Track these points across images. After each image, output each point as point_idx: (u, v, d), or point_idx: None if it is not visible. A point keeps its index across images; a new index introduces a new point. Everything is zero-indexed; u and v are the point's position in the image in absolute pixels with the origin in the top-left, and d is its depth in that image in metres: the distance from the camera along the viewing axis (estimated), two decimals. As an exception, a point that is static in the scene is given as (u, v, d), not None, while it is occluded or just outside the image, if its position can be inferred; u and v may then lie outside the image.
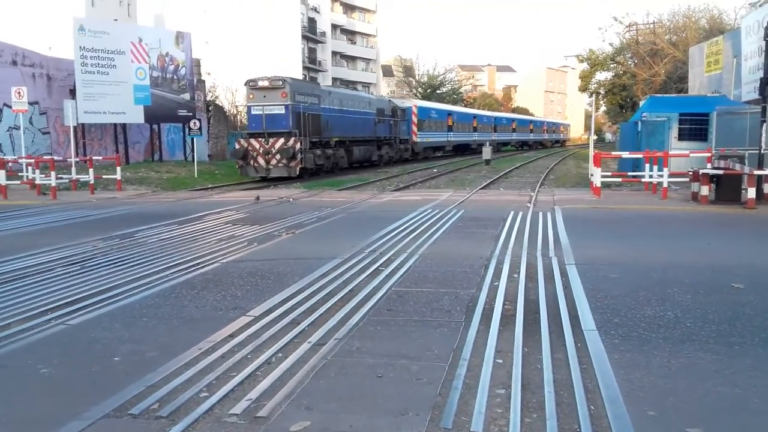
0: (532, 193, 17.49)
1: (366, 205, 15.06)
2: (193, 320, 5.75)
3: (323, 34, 72.60)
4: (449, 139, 50.29)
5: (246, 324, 5.55)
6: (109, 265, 8.21)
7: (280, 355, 4.79)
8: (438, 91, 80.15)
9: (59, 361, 4.72)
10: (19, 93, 19.42)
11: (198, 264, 8.21)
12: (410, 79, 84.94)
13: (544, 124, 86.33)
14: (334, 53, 77.02)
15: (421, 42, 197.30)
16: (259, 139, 24.12)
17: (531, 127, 78.85)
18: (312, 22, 69.48)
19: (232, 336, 5.23)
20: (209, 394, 4.08)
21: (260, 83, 24.27)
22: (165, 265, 8.16)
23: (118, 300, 6.44)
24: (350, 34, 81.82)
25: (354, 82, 75.08)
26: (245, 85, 25.30)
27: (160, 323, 5.68)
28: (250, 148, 24.08)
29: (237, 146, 24.78)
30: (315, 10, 71.20)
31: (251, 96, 24.52)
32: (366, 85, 79.42)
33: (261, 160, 24.12)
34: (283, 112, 24.00)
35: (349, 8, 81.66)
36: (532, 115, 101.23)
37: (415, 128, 41.52)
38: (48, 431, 3.61)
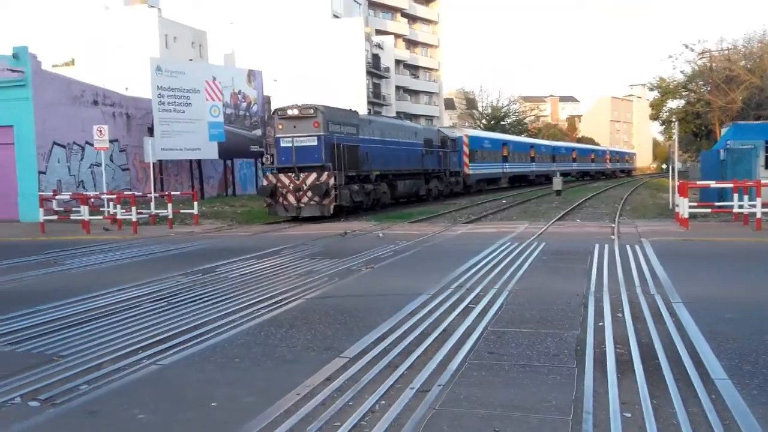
0: (613, 225, 16.78)
1: (441, 238, 14.72)
2: (287, 362, 5.51)
3: (387, 69, 73.29)
4: (504, 170, 46.22)
5: (342, 366, 5.27)
6: (195, 301, 8.12)
7: (383, 402, 4.48)
8: (502, 123, 79.53)
9: (155, 406, 4.54)
10: (100, 131, 20.02)
11: (282, 300, 8.03)
12: (473, 110, 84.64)
13: (606, 152, 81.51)
14: (398, 87, 77.57)
15: (483, 74, 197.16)
16: (289, 174, 21.18)
17: (592, 157, 74.62)
18: (376, 58, 70.31)
19: (329, 380, 4.95)
20: (315, 447, 3.79)
21: (289, 112, 21.50)
22: (249, 301, 8.01)
23: (207, 339, 6.28)
24: (413, 69, 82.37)
25: (417, 116, 75.32)
26: (273, 114, 22.85)
27: (253, 365, 5.46)
28: (279, 184, 21.19)
29: (265, 182, 21.90)
30: (379, 46, 72.09)
31: (280, 126, 21.68)
32: (429, 118, 79.53)
33: (291, 198, 21.10)
34: (315, 143, 21.12)
35: (412, 44, 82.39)
36: (597, 144, 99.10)
37: (466, 159, 37.78)
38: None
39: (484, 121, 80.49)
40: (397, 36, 77.79)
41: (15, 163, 23.06)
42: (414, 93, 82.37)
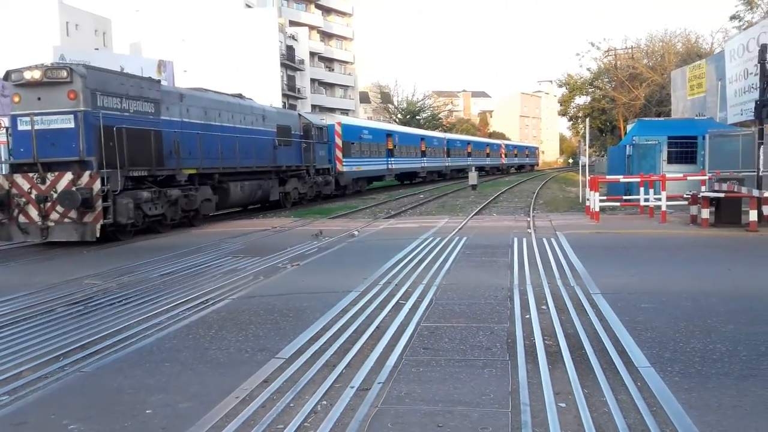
0: (528, 218, 17.33)
1: (363, 234, 14.77)
2: (220, 364, 5.38)
3: (302, 61, 72.66)
4: (390, 166, 39.71)
5: (278, 368, 5.20)
6: (113, 304, 7.82)
7: (324, 402, 4.46)
8: (417, 117, 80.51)
9: (86, 415, 4.33)
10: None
11: (207, 301, 7.83)
12: (388, 105, 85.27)
13: (501, 147, 74.93)
14: (313, 80, 77.07)
15: (397, 69, 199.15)
16: (30, 174, 13.98)
17: (487, 151, 68.62)
18: (290, 49, 69.58)
19: (267, 381, 4.88)
20: (260, 451, 3.73)
21: (28, 75, 13.80)
22: (173, 302, 7.77)
23: (132, 343, 6.05)
24: (328, 62, 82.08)
25: (332, 109, 75.24)
26: (4, 79, 15.01)
27: (184, 369, 5.30)
28: (14, 190, 13.96)
29: None
30: (293, 38, 71.37)
31: (16, 99, 14.09)
32: (345, 112, 79.66)
33: (32, 212, 13.88)
34: (70, 125, 13.73)
35: (327, 36, 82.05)
36: (508, 139, 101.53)
37: (339, 153, 30.93)
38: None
39: (399, 115, 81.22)
40: (311, 28, 77.27)
41: None
42: (329, 86, 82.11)
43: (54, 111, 13.80)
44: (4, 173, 14.80)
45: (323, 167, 28.10)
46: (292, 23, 73.64)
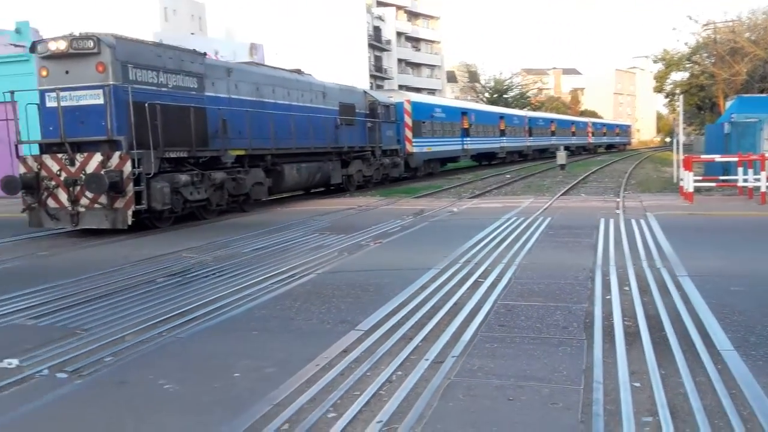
0: (618, 199, 16.88)
1: (447, 213, 14.85)
2: (304, 334, 5.67)
3: (388, 42, 72.88)
4: (465, 146, 36.80)
5: (357, 339, 5.43)
6: (208, 276, 8.29)
7: (399, 373, 4.64)
8: (505, 96, 79.21)
9: (181, 377, 4.70)
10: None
11: (294, 275, 8.18)
12: (475, 84, 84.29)
13: (588, 125, 70.90)
14: (400, 60, 77.20)
15: (485, 47, 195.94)
16: (59, 155, 12.91)
17: (573, 130, 64.93)
18: (377, 30, 69.92)
19: (346, 351, 5.11)
20: (337, 415, 3.95)
21: (52, 46, 12.69)
22: (262, 275, 8.16)
23: (224, 312, 6.44)
24: (415, 42, 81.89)
25: (419, 89, 75.17)
26: (30, 51, 13.54)
27: (271, 337, 5.62)
28: (43, 172, 12.97)
29: (22, 170, 13.12)
30: (380, 18, 71.63)
31: (44, 73, 13.04)
32: (431, 92, 79.37)
33: (63, 196, 12.86)
34: (99, 100, 12.52)
35: (413, 16, 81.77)
36: (600, 117, 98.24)
37: (409, 133, 28.67)
38: (184, 452, 3.55)
39: (486, 94, 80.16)
40: (398, 8, 77.19)
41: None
42: (416, 66, 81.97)
43: (81, 86, 12.66)
44: (33, 154, 13.48)
45: (390, 148, 26.20)
46: (379, 3, 73.85)
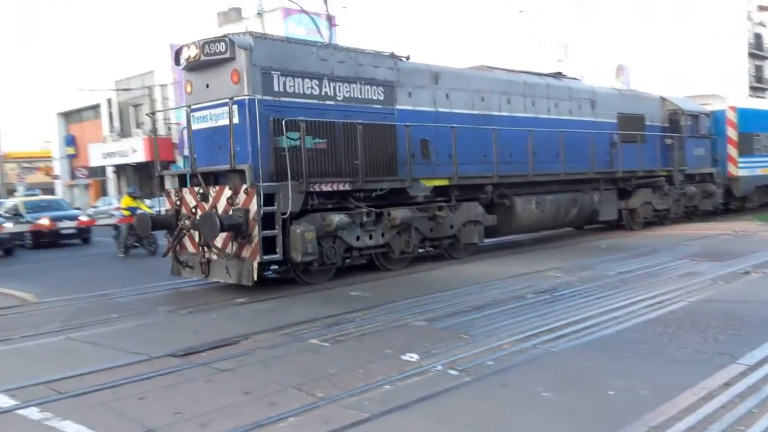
0: None
1: None
2: (678, 361, 5.57)
3: (773, 47, 64.40)
4: None
5: (740, 373, 5.14)
6: (575, 296, 8.56)
7: (792, 414, 4.30)
8: None
9: (556, 387, 5.06)
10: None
11: (663, 301, 7.97)
12: None
13: None
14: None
15: None
16: (195, 189, 10.65)
17: None
18: (758, 37, 62.37)
19: (728, 384, 4.89)
20: (720, 447, 3.87)
21: (185, 53, 10.57)
22: (630, 299, 8.14)
23: (594, 332, 6.64)
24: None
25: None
26: (175, 62, 11.25)
27: (642, 360, 5.65)
28: (183, 209, 10.84)
29: (168, 205, 11.29)
30: (762, 24, 63.76)
31: (188, 88, 11.10)
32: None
33: (191, 241, 10.77)
34: (235, 119, 9.89)
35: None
36: None
37: (733, 150, 21.11)
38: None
39: None
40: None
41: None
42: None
43: (212, 103, 10.35)
44: (176, 186, 11.38)
45: (700, 172, 19.50)
46: (762, 8, 65.74)
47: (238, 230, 9.73)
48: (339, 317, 7.82)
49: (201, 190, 10.37)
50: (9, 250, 18.77)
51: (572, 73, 18.60)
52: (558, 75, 16.27)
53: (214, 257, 10.19)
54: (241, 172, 9.82)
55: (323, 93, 10.85)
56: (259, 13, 30.16)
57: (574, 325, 6.88)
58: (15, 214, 21.47)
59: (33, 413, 4.97)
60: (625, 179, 16.76)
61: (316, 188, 10.38)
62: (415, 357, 5.99)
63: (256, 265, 9.66)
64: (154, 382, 5.64)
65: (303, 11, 23.92)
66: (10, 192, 41.36)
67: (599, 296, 8.42)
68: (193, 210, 10.49)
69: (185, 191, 10.81)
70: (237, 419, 4.62)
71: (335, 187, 10.67)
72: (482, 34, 43.37)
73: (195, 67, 10.62)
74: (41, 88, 45.65)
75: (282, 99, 10.26)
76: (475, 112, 13.20)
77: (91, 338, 7.52)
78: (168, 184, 11.84)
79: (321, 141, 10.49)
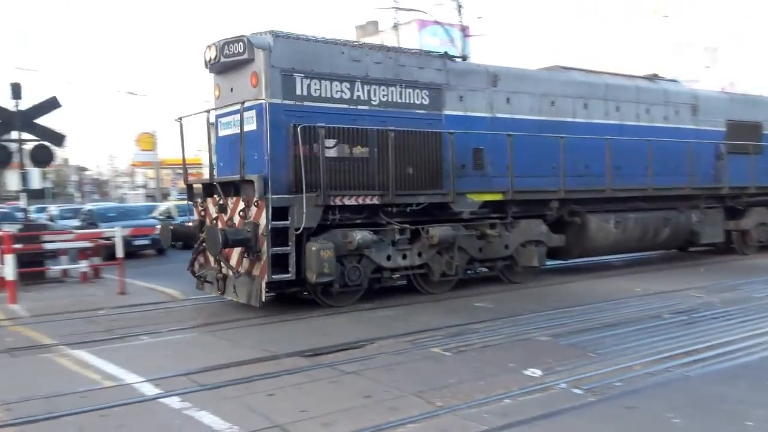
0: None
1: None
2: (832, 396, 5.09)
3: None
4: None
5: None
6: (716, 318, 8.03)
7: None
8: None
9: (689, 413, 4.78)
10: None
11: (819, 329, 7.29)
12: None
13: None
14: None
15: None
16: (216, 197, 10.05)
17: None
18: None
19: None
20: None
21: (206, 54, 10.00)
22: (779, 325, 7.52)
23: (735, 357, 6.21)
24: None
25: None
26: (206, 66, 10.28)
27: (789, 391, 5.22)
28: (207, 221, 10.33)
29: (194, 217, 10.77)
30: None
31: (216, 93, 10.42)
32: None
33: (210, 256, 10.05)
34: (251, 126, 9.38)
35: None
36: None
37: None
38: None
39: None
40: None
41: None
42: None
43: (231, 110, 9.73)
44: (200, 197, 10.74)
45: None
46: None
47: (245, 246, 9.06)
48: (462, 327, 7.82)
49: (221, 201, 9.76)
50: (162, 249, 20.28)
51: (721, 81, 17.06)
52: (654, 77, 14.65)
53: (230, 273, 9.41)
54: (253, 183, 9.02)
55: (355, 97, 9.88)
56: (395, 26, 30.77)
57: (713, 350, 6.46)
58: (168, 217, 23.18)
59: (174, 402, 5.39)
60: (733, 196, 14.69)
61: (337, 201, 9.41)
62: (538, 372, 5.88)
63: (264, 283, 8.86)
64: (283, 380, 5.92)
65: (437, 23, 24.16)
66: (165, 196, 44.65)
67: (743, 319, 7.84)
68: (214, 221, 9.95)
69: (209, 201, 10.24)
70: (358, 422, 4.76)
71: (360, 201, 9.61)
72: (624, 40, 41.63)
73: (220, 70, 9.99)
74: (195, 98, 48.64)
75: (305, 104, 9.41)
76: (542, 117, 11.80)
77: (229, 335, 8.01)
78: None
79: (351, 149, 9.54)
